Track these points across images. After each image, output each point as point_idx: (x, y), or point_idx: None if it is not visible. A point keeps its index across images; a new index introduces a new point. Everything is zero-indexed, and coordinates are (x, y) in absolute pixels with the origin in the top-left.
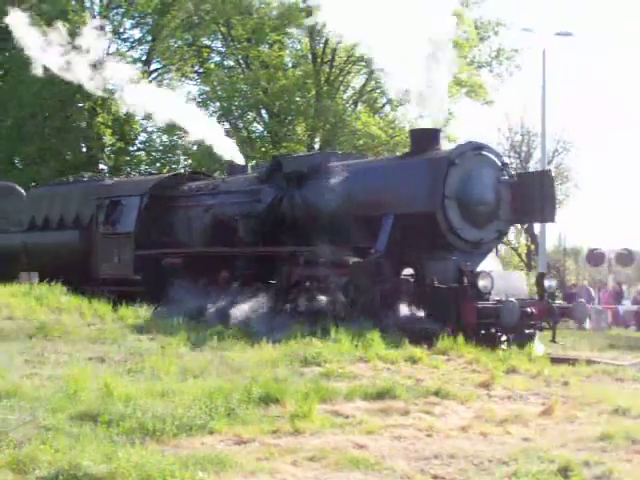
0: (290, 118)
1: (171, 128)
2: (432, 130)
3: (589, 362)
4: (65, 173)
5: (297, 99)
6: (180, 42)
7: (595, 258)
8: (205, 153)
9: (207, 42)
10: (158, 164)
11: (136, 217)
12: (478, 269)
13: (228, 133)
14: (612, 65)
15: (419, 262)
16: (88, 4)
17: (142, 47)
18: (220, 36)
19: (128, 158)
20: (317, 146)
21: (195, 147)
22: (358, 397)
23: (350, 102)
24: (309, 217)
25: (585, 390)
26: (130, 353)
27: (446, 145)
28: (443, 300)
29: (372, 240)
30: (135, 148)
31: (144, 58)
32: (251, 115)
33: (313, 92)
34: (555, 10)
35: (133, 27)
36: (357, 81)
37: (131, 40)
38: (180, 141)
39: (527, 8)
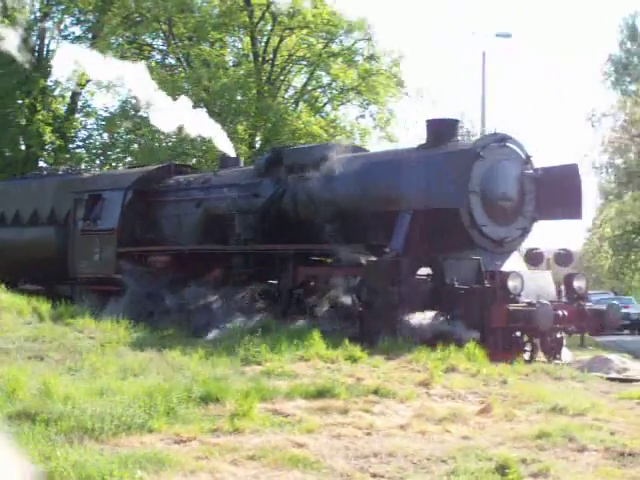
0: (231, 117)
1: (111, 124)
2: (451, 120)
3: None
4: (3, 171)
5: (238, 98)
6: (121, 40)
7: (533, 258)
8: (145, 150)
9: (148, 40)
10: (97, 161)
11: (119, 213)
12: (504, 269)
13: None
14: (550, 65)
15: (438, 261)
16: (28, 0)
17: (83, 44)
18: (161, 34)
19: (68, 156)
20: (258, 145)
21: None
22: (298, 396)
23: (291, 101)
24: (314, 213)
25: (523, 389)
26: (69, 352)
27: (387, 145)
28: (467, 302)
29: (386, 238)
30: (75, 146)
31: None
32: None
33: (254, 91)
34: (495, 12)
35: (74, 24)
36: (298, 80)
37: (72, 37)
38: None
39: (468, 11)
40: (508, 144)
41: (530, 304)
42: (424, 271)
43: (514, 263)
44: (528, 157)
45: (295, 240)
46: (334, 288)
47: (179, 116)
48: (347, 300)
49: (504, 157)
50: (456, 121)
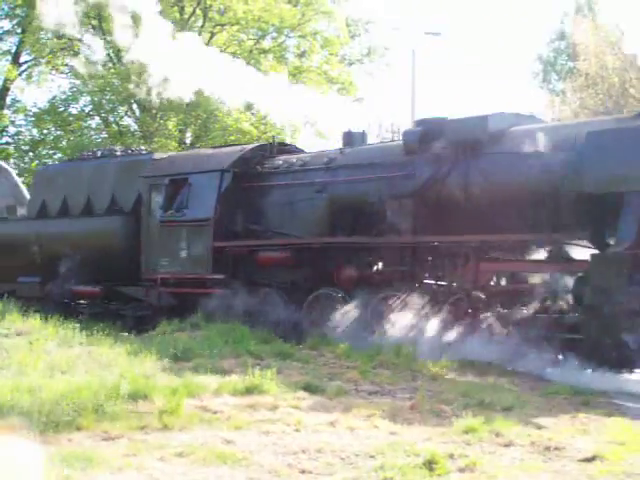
0: (161, 113)
1: (40, 120)
2: None
3: None
4: None
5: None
6: (50, 34)
7: None
8: (73, 145)
9: (78, 35)
10: (27, 158)
11: (215, 199)
12: None
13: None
14: (478, 62)
15: None
16: None
17: (11, 39)
18: (91, 29)
19: None
20: (188, 141)
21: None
22: (227, 392)
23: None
24: (493, 197)
25: (451, 384)
26: None
27: (321, 142)
28: None
29: (600, 225)
30: (4, 142)
31: (13, 50)
32: (122, 109)
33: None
34: (424, 10)
35: (2, 18)
36: None
37: (1, 32)
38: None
39: (397, 8)
40: None
41: None
42: None
43: None
44: None
45: (464, 230)
46: (535, 289)
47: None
48: (558, 304)
49: None
50: None
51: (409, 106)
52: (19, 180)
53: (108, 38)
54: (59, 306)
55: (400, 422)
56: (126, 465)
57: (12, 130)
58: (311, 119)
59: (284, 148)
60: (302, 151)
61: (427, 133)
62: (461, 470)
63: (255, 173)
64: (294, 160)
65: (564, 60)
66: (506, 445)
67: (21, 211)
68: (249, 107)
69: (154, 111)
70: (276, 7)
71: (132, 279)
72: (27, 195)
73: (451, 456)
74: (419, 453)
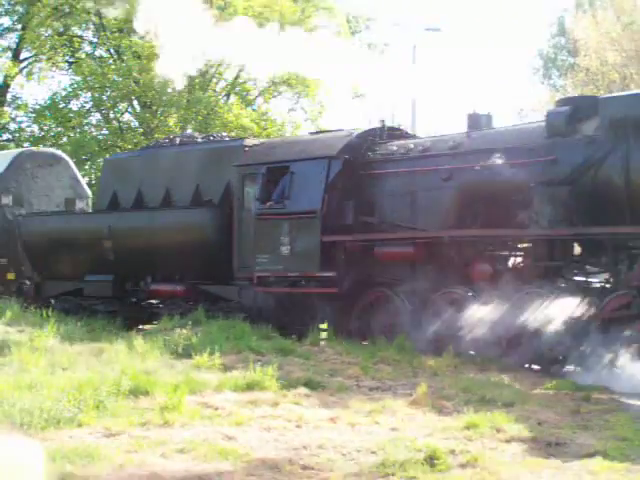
0: (162, 109)
1: (41, 117)
2: None
3: None
4: None
5: (169, 90)
6: (51, 31)
7: None
8: (74, 141)
9: (78, 32)
10: None
11: (322, 189)
12: None
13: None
14: (478, 58)
15: None
16: None
17: (12, 36)
18: (92, 25)
19: None
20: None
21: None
22: (228, 389)
23: (222, 94)
24: None
25: (452, 380)
26: None
27: None
28: None
29: None
30: (5, 138)
31: (14, 47)
32: (123, 106)
33: (185, 83)
34: (424, 6)
35: (2, 15)
36: (230, 73)
37: (1, 28)
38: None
39: (397, 3)
40: None
41: None
42: None
43: None
44: None
45: (624, 220)
46: None
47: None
48: None
49: None
50: None
51: (409, 102)
52: (78, 172)
53: (109, 34)
54: (132, 306)
55: (401, 418)
56: (127, 461)
57: (13, 127)
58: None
59: (395, 133)
60: (414, 136)
61: (575, 113)
62: (462, 466)
63: (366, 160)
64: (411, 145)
65: (565, 56)
66: (507, 441)
67: (80, 204)
68: (249, 103)
69: (154, 107)
70: (277, 3)
71: (220, 277)
72: (85, 188)
73: (452, 452)
74: (420, 449)
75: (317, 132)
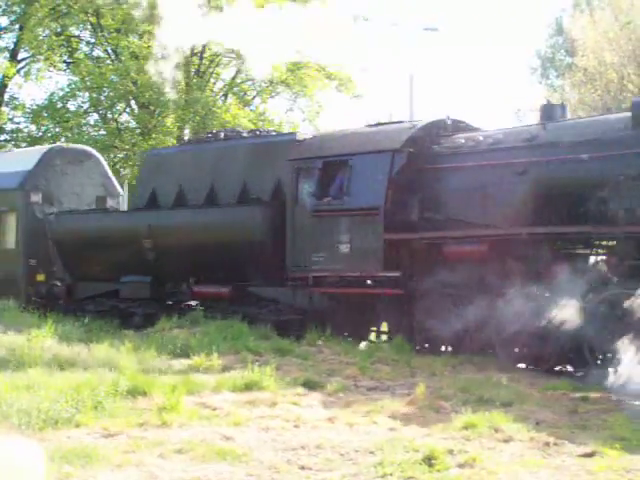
0: (159, 110)
1: (38, 117)
2: None
3: None
4: None
5: (166, 90)
6: (48, 31)
7: None
8: (79, 141)
9: (76, 32)
10: None
11: (385, 185)
12: None
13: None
14: (476, 58)
15: None
16: None
17: (9, 36)
18: (89, 26)
19: None
20: (186, 138)
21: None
22: (226, 389)
23: (220, 94)
24: None
25: (450, 380)
26: None
27: None
28: None
29: None
30: (3, 139)
31: (11, 47)
32: (120, 106)
33: (183, 84)
34: (422, 6)
35: None
36: (227, 73)
37: None
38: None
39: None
40: None
41: None
42: None
43: None
44: None
45: None
46: None
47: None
48: None
49: None
50: None
51: (407, 101)
52: (109, 169)
53: (106, 34)
54: (172, 309)
55: (399, 418)
56: (125, 462)
57: (10, 127)
58: None
59: (459, 125)
60: (479, 129)
61: None
62: (461, 466)
63: (431, 153)
64: (481, 138)
65: (562, 56)
66: (506, 441)
67: (111, 202)
68: (247, 103)
69: (152, 108)
70: (275, 2)
71: (270, 278)
72: (117, 185)
73: (450, 452)
74: (418, 449)
75: (376, 124)
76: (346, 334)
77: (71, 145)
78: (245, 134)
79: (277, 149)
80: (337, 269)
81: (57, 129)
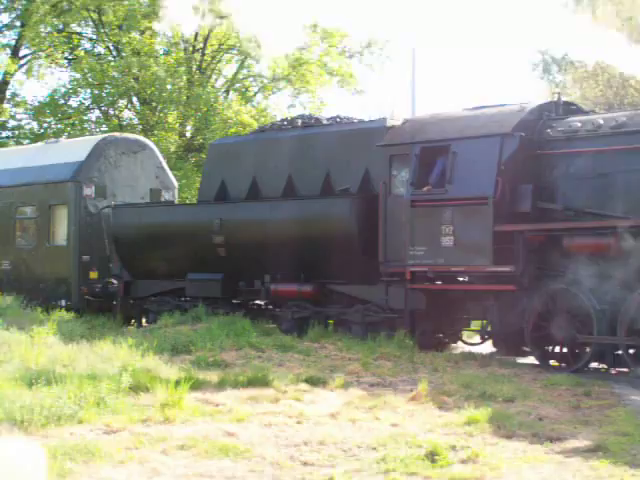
0: (161, 106)
1: (40, 113)
2: None
3: None
4: None
5: (168, 87)
6: (50, 28)
7: None
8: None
9: (77, 29)
10: None
11: (495, 172)
12: None
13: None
14: (478, 53)
15: None
16: None
17: (11, 33)
18: (91, 22)
19: None
20: (188, 134)
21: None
22: (228, 385)
23: (222, 90)
24: None
25: (453, 376)
26: None
27: None
28: None
29: None
30: (5, 136)
31: (13, 44)
32: (122, 103)
33: (185, 80)
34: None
35: (1, 12)
36: (229, 69)
37: (0, 26)
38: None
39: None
40: None
41: None
42: None
43: None
44: None
45: None
46: None
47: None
48: None
49: None
50: None
51: (409, 96)
52: (163, 160)
53: (108, 31)
54: (245, 308)
55: (402, 414)
56: (128, 458)
57: (12, 124)
58: None
59: (570, 108)
60: (593, 111)
61: None
62: (463, 462)
63: (544, 138)
64: (601, 121)
65: (565, 52)
66: (508, 436)
67: (166, 196)
68: (249, 99)
69: (154, 104)
70: None
71: (358, 276)
72: (172, 178)
73: (453, 447)
74: (421, 445)
75: (478, 107)
76: (441, 335)
77: (124, 134)
78: (325, 121)
79: (365, 136)
80: (439, 263)
81: (59, 126)
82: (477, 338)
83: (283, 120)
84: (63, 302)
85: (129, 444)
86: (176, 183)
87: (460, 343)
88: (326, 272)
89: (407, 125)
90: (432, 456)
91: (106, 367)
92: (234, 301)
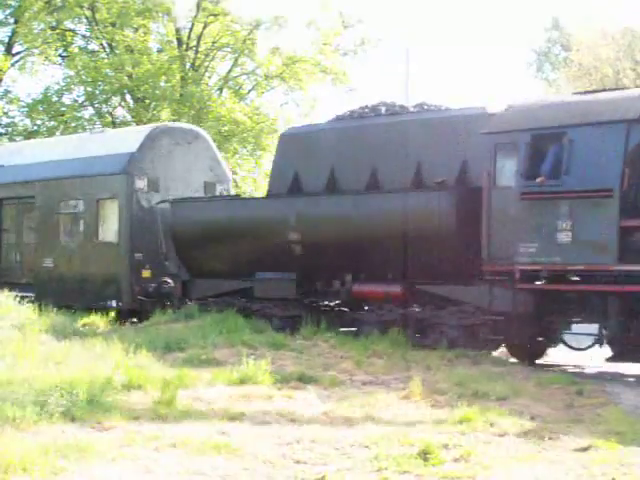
0: (155, 103)
1: (33, 111)
2: None
3: None
4: None
5: (162, 84)
6: (43, 25)
7: None
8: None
9: (71, 26)
10: None
11: (620, 162)
12: None
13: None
14: (472, 51)
15: None
16: None
17: (4, 30)
18: (84, 20)
19: None
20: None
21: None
22: (221, 383)
23: (215, 88)
24: None
25: (446, 374)
26: None
27: None
28: None
29: None
30: None
31: (6, 41)
32: (116, 100)
33: (178, 77)
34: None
35: None
36: (223, 67)
37: None
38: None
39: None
40: None
41: None
42: None
43: None
44: None
45: None
46: None
47: None
48: None
49: None
50: None
51: (403, 94)
52: (217, 151)
53: (101, 28)
54: (322, 311)
55: (394, 412)
56: (120, 456)
57: (5, 121)
58: None
59: None
60: None
61: None
62: (456, 460)
63: None
64: None
65: (558, 50)
66: (501, 435)
67: (220, 189)
68: (242, 97)
69: (147, 101)
70: None
71: (455, 275)
72: (227, 170)
73: (446, 446)
74: (413, 443)
75: (593, 91)
76: (540, 338)
77: (177, 124)
78: (412, 109)
79: (462, 124)
80: (554, 261)
81: (52, 123)
82: (582, 342)
83: (364, 107)
84: (113, 303)
85: (121, 442)
86: (231, 176)
87: (562, 347)
88: (417, 271)
89: (511, 112)
90: (424, 454)
91: (99, 365)
92: (310, 301)
